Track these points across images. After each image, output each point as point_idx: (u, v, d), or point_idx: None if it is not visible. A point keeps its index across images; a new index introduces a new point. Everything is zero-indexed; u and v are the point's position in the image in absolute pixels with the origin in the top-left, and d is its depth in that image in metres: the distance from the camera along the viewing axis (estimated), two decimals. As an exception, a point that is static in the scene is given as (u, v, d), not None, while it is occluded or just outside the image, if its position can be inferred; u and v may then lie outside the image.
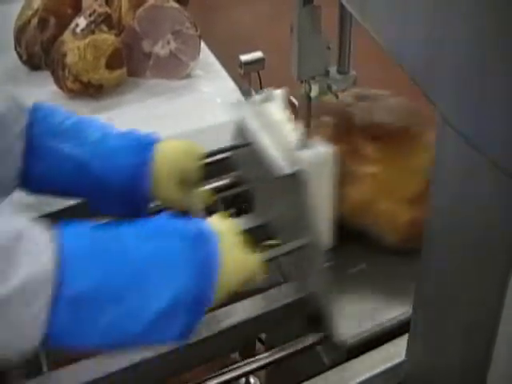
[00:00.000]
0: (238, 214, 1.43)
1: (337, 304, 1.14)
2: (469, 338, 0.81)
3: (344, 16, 1.11)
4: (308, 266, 1.15)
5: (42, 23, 1.83)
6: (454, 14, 0.63)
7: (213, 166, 1.38)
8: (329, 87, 1.16)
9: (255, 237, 1.24)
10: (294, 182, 1.13)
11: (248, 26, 3.94)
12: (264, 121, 1.24)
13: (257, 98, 1.29)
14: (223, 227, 0.97)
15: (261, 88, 1.85)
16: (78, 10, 1.84)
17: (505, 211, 0.66)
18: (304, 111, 1.21)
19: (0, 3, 2.25)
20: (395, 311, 1.15)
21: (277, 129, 1.22)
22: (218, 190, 1.41)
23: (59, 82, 1.73)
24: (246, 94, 1.77)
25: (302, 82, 1.16)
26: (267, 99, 1.28)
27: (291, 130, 1.20)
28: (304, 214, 1.12)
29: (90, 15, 1.72)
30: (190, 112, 1.71)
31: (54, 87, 1.76)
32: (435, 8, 0.66)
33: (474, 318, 0.79)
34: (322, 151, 1.17)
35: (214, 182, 1.43)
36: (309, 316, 1.18)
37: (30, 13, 1.83)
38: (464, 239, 0.76)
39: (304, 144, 1.17)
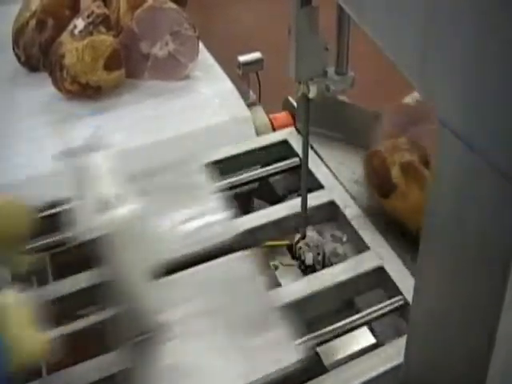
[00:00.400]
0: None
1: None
2: (468, 339, 0.81)
3: (342, 17, 1.11)
4: (124, 335, 1.05)
5: (40, 25, 1.83)
6: (453, 15, 0.63)
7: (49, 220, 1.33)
8: (327, 88, 1.16)
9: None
10: (100, 245, 1.03)
11: (246, 25, 3.94)
12: (86, 174, 1.11)
13: (85, 147, 1.15)
14: (10, 305, 0.93)
15: (259, 89, 1.86)
16: (75, 11, 1.84)
17: (505, 214, 0.66)
18: (302, 112, 1.21)
19: (-2, 5, 2.26)
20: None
21: (94, 184, 1.09)
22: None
23: (57, 83, 1.73)
24: (244, 94, 1.77)
25: (299, 82, 1.16)
26: (94, 149, 1.15)
27: (108, 186, 1.08)
28: (116, 279, 1.03)
29: (88, 16, 1.72)
30: (188, 113, 1.71)
31: (52, 88, 1.76)
32: (433, 9, 0.66)
33: (473, 319, 0.79)
34: (128, 211, 1.04)
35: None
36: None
37: (27, 14, 1.83)
38: (464, 241, 0.76)
39: (113, 203, 1.04)
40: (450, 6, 0.63)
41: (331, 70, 1.17)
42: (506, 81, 0.59)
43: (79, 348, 1.06)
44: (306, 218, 1.32)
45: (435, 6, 0.65)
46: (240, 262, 1.25)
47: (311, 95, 1.16)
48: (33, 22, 1.82)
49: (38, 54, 1.85)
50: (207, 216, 1.34)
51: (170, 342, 1.03)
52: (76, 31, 1.71)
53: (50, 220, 1.34)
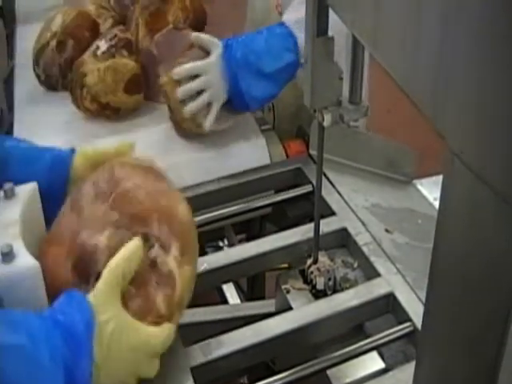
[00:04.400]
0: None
1: None
2: (474, 365, 0.82)
3: (356, 47, 1.13)
4: None
5: (61, 45, 1.86)
6: (469, 48, 0.65)
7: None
8: (341, 117, 1.17)
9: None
10: None
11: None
12: None
13: (1, 194, 1.14)
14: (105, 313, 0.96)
15: (274, 116, 1.88)
16: (95, 33, 1.88)
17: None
18: (317, 140, 1.23)
19: (20, 24, 2.30)
20: None
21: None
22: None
23: (77, 101, 1.76)
24: (258, 121, 1.79)
25: (314, 111, 1.18)
26: (9, 196, 1.13)
27: (13, 236, 1.04)
28: None
29: (110, 39, 1.76)
30: (203, 137, 1.73)
31: (71, 108, 1.78)
32: (448, 42, 0.67)
33: (479, 346, 0.80)
34: (23, 265, 1.00)
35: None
36: None
37: (48, 35, 1.87)
38: (472, 272, 0.77)
39: (6, 257, 0.99)
40: (465, 40, 0.65)
41: (345, 99, 1.18)
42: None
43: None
44: (317, 243, 1.34)
45: (451, 38, 0.67)
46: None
47: (326, 124, 1.17)
48: (53, 43, 1.86)
49: (57, 73, 1.89)
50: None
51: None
52: (99, 52, 1.74)
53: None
